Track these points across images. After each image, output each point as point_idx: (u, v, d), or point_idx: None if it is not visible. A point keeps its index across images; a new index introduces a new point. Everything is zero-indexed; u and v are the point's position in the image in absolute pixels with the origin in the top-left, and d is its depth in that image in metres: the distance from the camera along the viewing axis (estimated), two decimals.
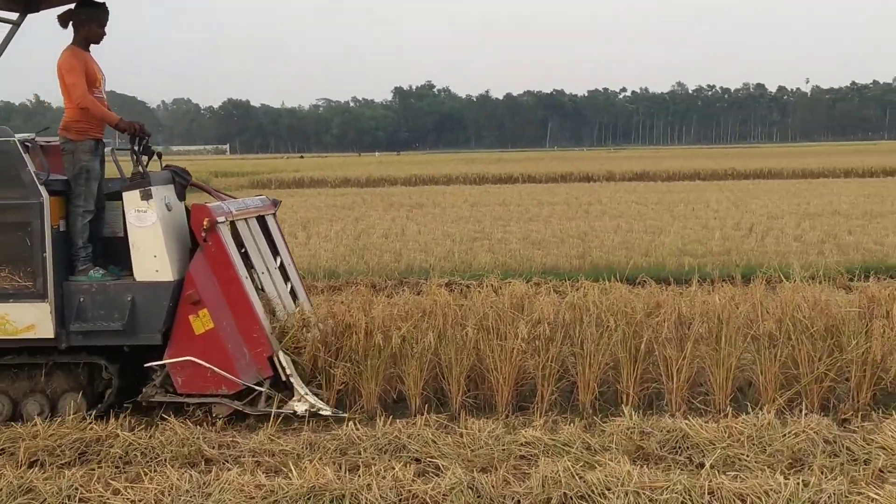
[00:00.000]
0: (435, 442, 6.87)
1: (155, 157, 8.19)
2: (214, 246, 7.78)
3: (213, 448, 7.06)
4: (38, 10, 8.40)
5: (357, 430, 7.18)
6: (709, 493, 5.61)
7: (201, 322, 7.65)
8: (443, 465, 6.36)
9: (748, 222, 21.22)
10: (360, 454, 6.79)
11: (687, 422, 6.94)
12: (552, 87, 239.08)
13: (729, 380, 7.68)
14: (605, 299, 8.49)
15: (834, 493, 5.54)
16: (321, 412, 7.76)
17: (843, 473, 6.08)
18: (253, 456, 6.89)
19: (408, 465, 6.34)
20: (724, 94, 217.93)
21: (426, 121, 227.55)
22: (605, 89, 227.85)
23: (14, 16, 8.37)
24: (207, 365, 7.66)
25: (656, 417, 7.21)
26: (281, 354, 7.90)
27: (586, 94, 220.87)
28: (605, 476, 5.82)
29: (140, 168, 7.86)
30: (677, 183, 42.22)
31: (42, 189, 7.55)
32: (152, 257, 7.66)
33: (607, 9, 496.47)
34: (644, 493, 5.61)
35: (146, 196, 7.69)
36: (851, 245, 16.80)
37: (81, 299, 7.64)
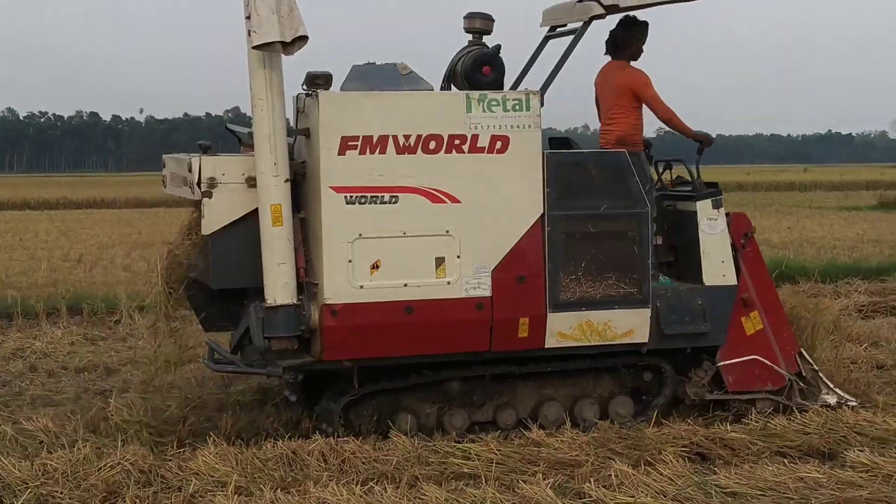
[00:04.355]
0: None
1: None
2: (752, 252, 8.41)
3: None
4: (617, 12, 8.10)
5: None
6: None
7: (752, 323, 8.26)
8: None
9: (77, 252, 20.86)
10: None
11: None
12: None
13: None
14: None
15: None
16: (848, 403, 8.32)
17: (156, 501, 6.17)
18: None
19: None
20: (58, 122, 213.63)
21: None
22: None
23: (577, 24, 8.07)
24: (769, 363, 8.28)
25: None
26: (803, 351, 8.54)
27: None
28: None
29: (699, 179, 8.33)
30: (5, 213, 40.41)
31: (647, 199, 7.76)
32: (720, 263, 8.15)
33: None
34: None
35: (717, 205, 8.18)
36: None
37: (658, 304, 7.86)
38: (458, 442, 7.27)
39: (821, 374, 8.52)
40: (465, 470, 6.80)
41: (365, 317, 7.21)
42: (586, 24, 7.90)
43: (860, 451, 7.03)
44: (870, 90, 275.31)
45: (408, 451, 7.02)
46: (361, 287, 7.19)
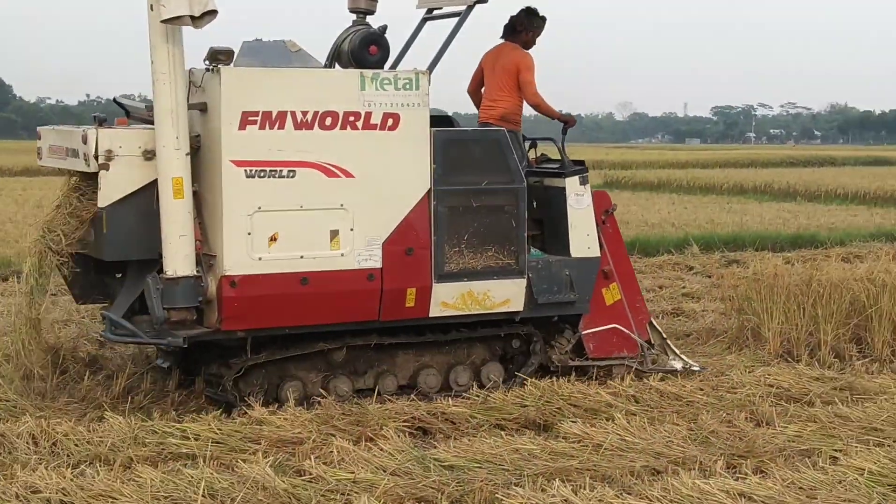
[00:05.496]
0: None
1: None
2: (611, 227, 8.97)
3: None
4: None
5: None
6: None
7: (611, 294, 8.80)
8: None
9: None
10: None
11: None
12: None
13: None
14: None
15: None
16: (692, 368, 8.94)
17: None
18: None
19: None
20: None
21: None
22: None
23: (461, 8, 8.32)
24: (625, 331, 8.81)
25: None
26: (653, 321, 9.25)
27: None
28: None
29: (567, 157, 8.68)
30: None
31: (523, 175, 8.14)
32: (585, 236, 8.56)
33: None
34: None
35: (584, 181, 8.58)
36: None
37: (531, 275, 8.22)
38: (178, 421, 7.15)
39: (668, 342, 9.22)
40: (184, 450, 6.64)
41: (263, 288, 7.39)
42: (470, 7, 8.25)
43: (573, 422, 7.29)
44: (596, 73, 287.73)
45: (123, 432, 6.81)
46: (260, 259, 7.37)
